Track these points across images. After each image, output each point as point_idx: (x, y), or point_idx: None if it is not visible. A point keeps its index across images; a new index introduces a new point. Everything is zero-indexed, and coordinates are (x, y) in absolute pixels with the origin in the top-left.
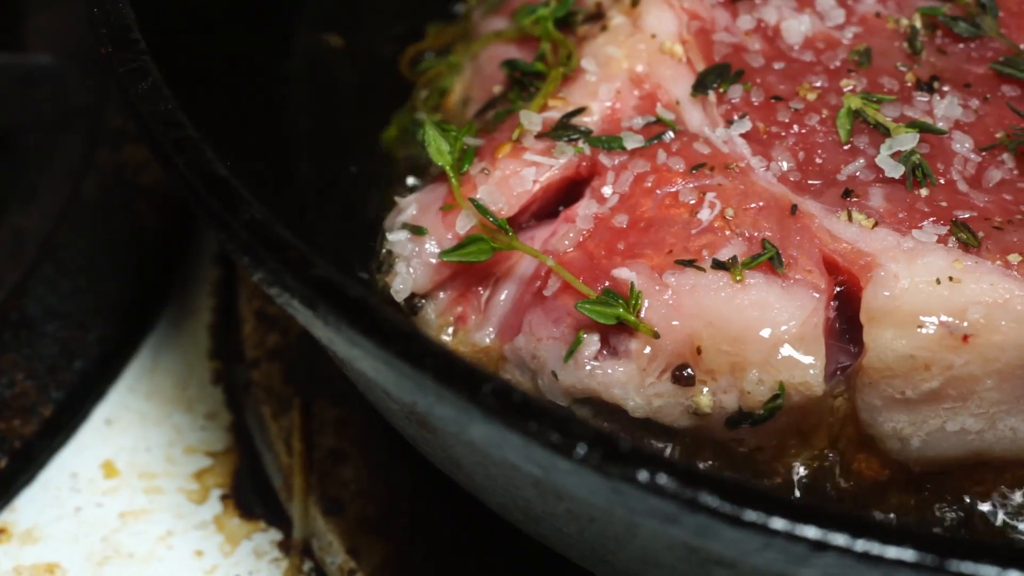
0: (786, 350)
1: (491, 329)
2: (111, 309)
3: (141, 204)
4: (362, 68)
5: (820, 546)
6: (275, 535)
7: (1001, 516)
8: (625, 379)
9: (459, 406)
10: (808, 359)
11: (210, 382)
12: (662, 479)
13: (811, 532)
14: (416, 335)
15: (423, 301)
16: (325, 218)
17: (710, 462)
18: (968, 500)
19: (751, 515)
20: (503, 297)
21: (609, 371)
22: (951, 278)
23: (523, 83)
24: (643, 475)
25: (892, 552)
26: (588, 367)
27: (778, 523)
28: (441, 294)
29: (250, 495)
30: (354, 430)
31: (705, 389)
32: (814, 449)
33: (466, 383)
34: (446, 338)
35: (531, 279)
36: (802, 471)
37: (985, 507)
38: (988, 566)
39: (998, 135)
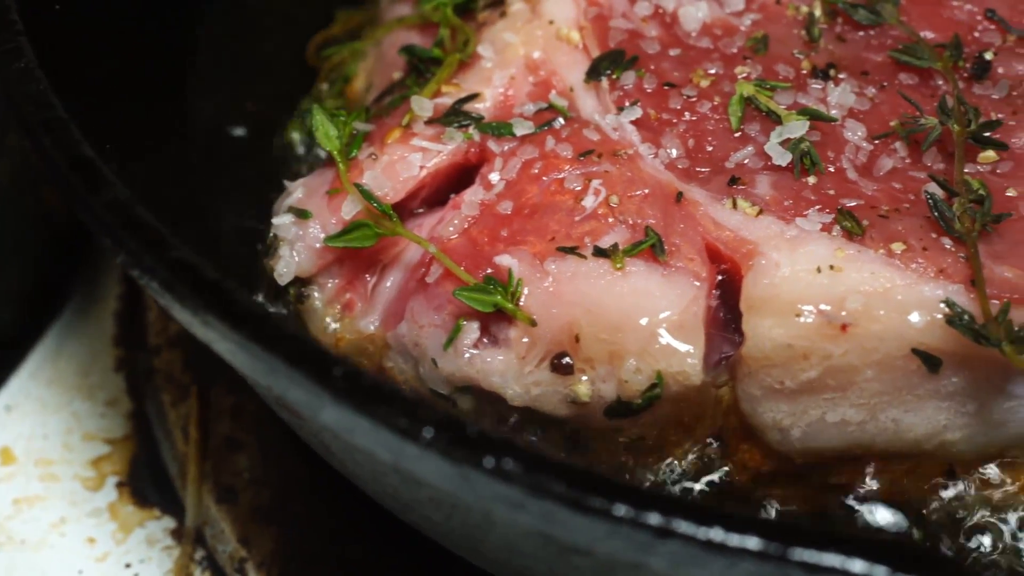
0: (664, 339)
1: (376, 316)
2: (14, 296)
3: (49, 190)
4: (267, 53)
5: (664, 533)
6: (169, 523)
7: (882, 509)
8: (504, 367)
9: (310, 390)
10: (686, 348)
11: (113, 369)
12: (508, 464)
13: (654, 519)
14: (269, 317)
15: (310, 288)
16: (225, 205)
17: (592, 452)
18: (852, 493)
19: (595, 502)
20: (389, 284)
21: (488, 359)
22: (832, 267)
23: (420, 69)
24: (489, 460)
25: (735, 540)
26: (467, 355)
27: (621, 510)
28: (329, 282)
29: (146, 483)
30: (250, 418)
31: (584, 378)
32: (698, 440)
33: (316, 366)
34: (333, 325)
35: (416, 266)
36: (686, 462)
37: (868, 500)
38: (832, 555)
39: (893, 123)
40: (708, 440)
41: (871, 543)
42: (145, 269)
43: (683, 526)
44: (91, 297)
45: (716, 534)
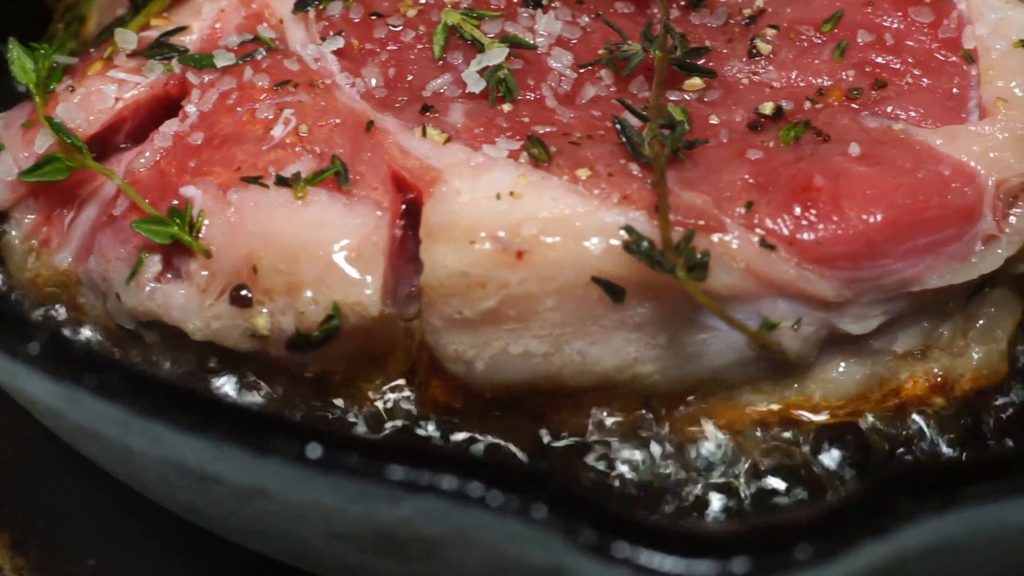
0: (341, 269)
1: (71, 251)
2: None
3: None
4: None
5: (264, 450)
6: None
7: (569, 441)
8: (184, 301)
9: None
10: (363, 278)
11: None
12: (111, 382)
13: (253, 439)
14: None
15: (7, 224)
16: None
17: (281, 389)
18: (544, 426)
19: (193, 421)
20: (84, 219)
21: (169, 292)
22: (512, 193)
23: (139, 5)
24: (91, 379)
25: (333, 457)
26: (148, 288)
27: (220, 429)
28: (27, 218)
29: None
30: None
31: (264, 310)
32: (391, 375)
33: None
34: (31, 262)
35: (111, 201)
36: (381, 398)
37: (561, 432)
38: (426, 473)
39: (601, 51)
40: (402, 375)
41: (471, 462)
42: None
43: (280, 444)
44: None
45: (313, 451)
